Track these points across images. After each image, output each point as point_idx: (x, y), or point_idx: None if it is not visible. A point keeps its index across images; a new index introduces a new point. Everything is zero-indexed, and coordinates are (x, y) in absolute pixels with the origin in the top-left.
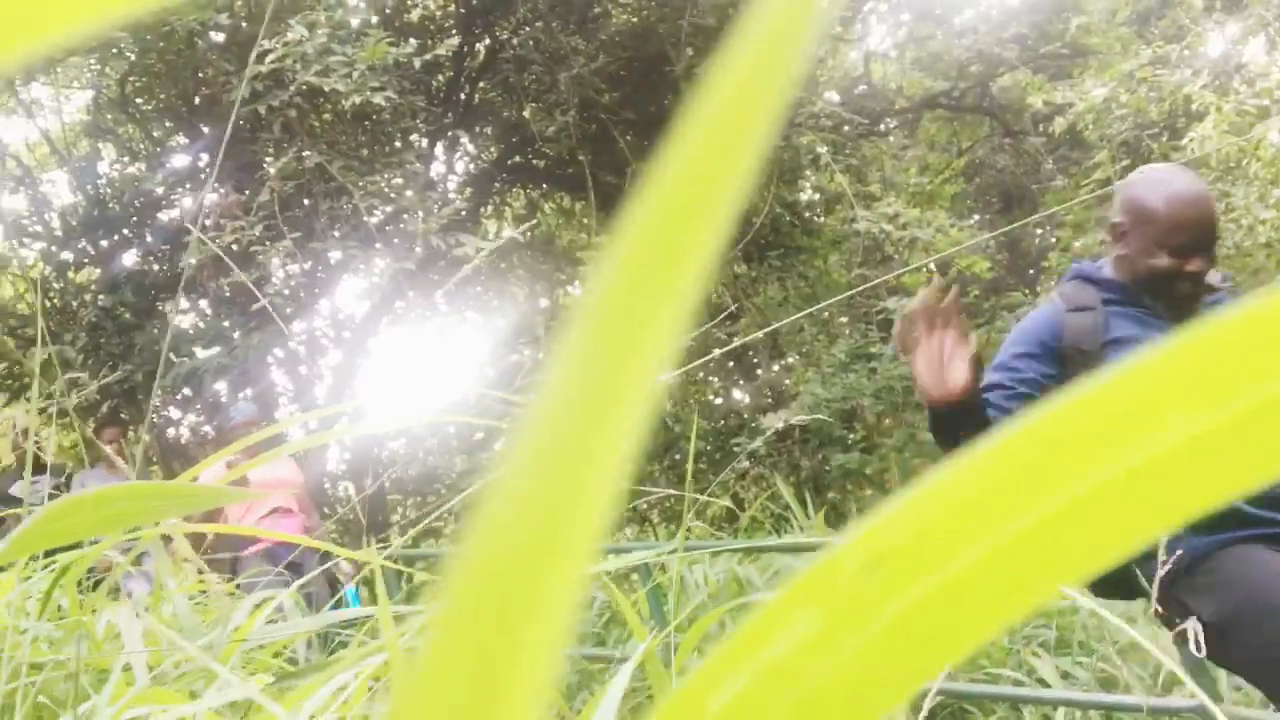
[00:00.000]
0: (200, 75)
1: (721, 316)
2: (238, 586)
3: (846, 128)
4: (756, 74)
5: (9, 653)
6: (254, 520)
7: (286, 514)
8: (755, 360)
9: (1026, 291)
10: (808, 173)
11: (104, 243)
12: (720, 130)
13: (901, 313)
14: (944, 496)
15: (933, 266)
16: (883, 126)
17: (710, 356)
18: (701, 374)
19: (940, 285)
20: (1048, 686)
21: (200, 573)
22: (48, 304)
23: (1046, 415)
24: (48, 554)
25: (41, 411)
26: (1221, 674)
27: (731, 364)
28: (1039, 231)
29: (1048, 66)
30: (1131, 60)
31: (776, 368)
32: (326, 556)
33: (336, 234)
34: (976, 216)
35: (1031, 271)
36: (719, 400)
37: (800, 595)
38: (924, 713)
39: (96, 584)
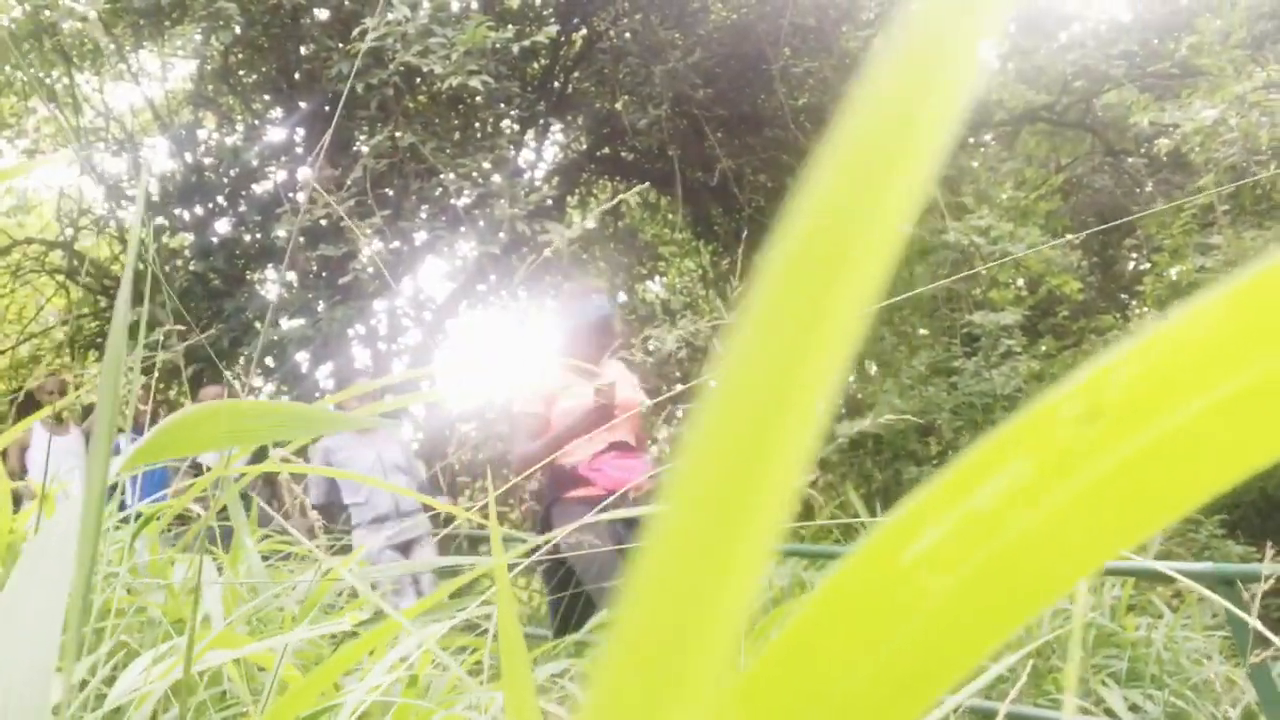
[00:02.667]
0: (302, 50)
1: None
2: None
3: None
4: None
5: (96, 594)
6: (588, 457)
7: (627, 452)
8: None
9: (1118, 316)
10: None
11: (199, 210)
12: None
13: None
14: (1171, 346)
15: (1021, 283)
16: (980, 137)
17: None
18: None
19: None
20: (1115, 718)
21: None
22: (140, 267)
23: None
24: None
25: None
26: None
27: None
28: (1134, 255)
29: (1155, 85)
30: (1244, 83)
31: (853, 377)
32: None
33: (424, 215)
34: (1070, 234)
35: (1124, 296)
36: None
37: (1010, 444)
38: None
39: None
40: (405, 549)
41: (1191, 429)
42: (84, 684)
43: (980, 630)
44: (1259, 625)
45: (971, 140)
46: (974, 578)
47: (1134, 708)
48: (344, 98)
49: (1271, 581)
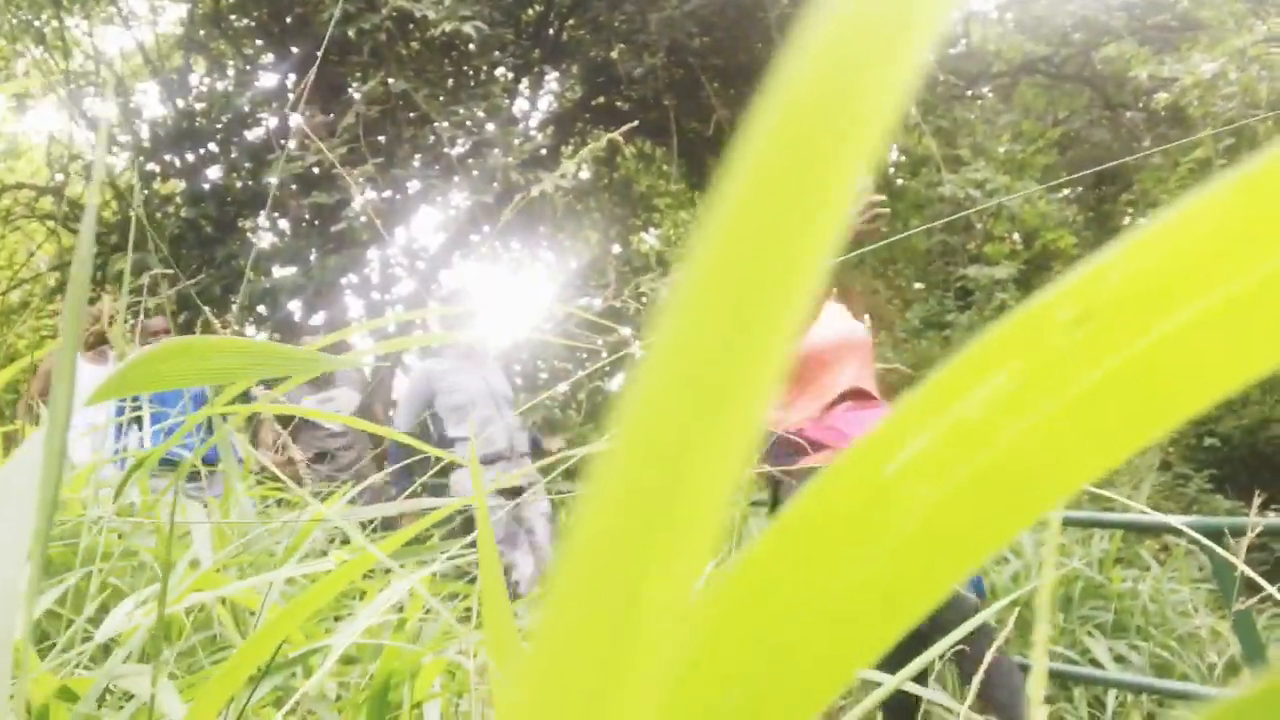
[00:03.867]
0: None
1: None
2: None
3: (939, 88)
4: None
5: (84, 540)
6: (816, 412)
7: (865, 402)
8: None
9: None
10: (894, 132)
11: (190, 156)
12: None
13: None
14: (1168, 244)
15: (1016, 237)
16: (978, 89)
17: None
18: None
19: None
20: (1100, 668)
21: None
22: (131, 213)
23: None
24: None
25: (124, 309)
26: None
27: None
28: (1130, 211)
29: (1155, 38)
30: (1244, 36)
31: None
32: None
33: (417, 163)
34: (1067, 190)
35: None
36: None
37: (998, 350)
38: (974, 685)
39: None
40: (515, 494)
41: (1189, 332)
42: (70, 623)
43: (967, 544)
44: (1248, 570)
45: (969, 92)
46: (961, 489)
47: (1119, 658)
48: (328, 41)
49: (1259, 532)
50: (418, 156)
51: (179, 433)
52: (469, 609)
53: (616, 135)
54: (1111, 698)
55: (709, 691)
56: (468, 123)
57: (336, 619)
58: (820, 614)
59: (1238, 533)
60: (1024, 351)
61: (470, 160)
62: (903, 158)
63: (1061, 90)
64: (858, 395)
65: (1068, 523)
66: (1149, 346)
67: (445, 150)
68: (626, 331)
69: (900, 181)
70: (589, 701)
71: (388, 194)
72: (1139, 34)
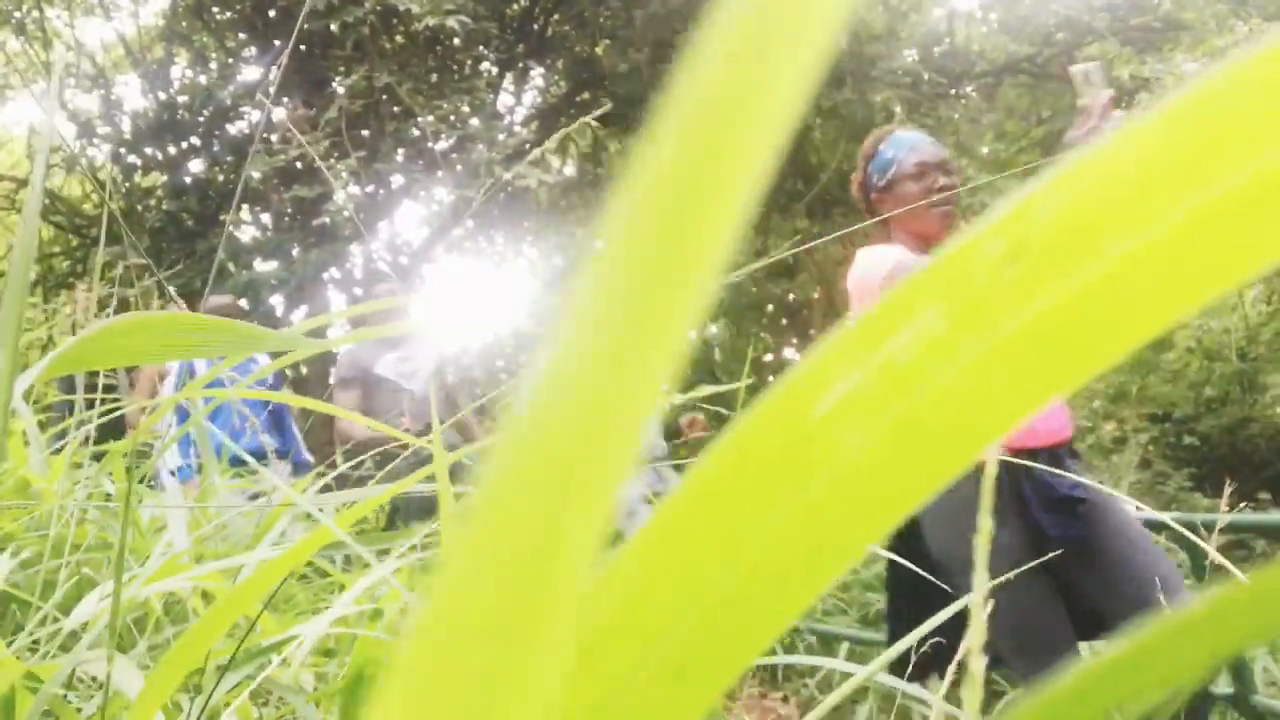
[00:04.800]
0: None
1: (759, 266)
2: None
3: (924, 87)
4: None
5: (56, 529)
6: None
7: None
8: (809, 319)
9: None
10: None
11: (172, 149)
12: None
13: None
14: (1098, 176)
15: None
16: (961, 89)
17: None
18: (754, 329)
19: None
20: None
21: None
22: (112, 206)
23: (1225, 78)
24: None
25: (101, 305)
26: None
27: (785, 321)
28: None
29: (1137, 39)
30: (1226, 37)
31: (832, 328)
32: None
33: (400, 157)
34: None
35: None
36: (769, 357)
37: (925, 289)
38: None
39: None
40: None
41: (1124, 269)
42: (38, 609)
43: (897, 490)
44: (1219, 558)
45: (952, 91)
46: (890, 433)
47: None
48: (312, 35)
49: (1239, 528)
50: (401, 151)
51: (158, 414)
52: None
53: (590, 119)
54: None
55: (628, 647)
56: (451, 118)
57: (315, 613)
58: (744, 563)
59: (1212, 528)
60: (953, 290)
61: (454, 155)
62: None
63: (1045, 90)
64: None
65: None
66: (1083, 284)
67: (428, 145)
68: None
69: None
70: (496, 649)
71: (370, 189)
72: (1121, 34)
